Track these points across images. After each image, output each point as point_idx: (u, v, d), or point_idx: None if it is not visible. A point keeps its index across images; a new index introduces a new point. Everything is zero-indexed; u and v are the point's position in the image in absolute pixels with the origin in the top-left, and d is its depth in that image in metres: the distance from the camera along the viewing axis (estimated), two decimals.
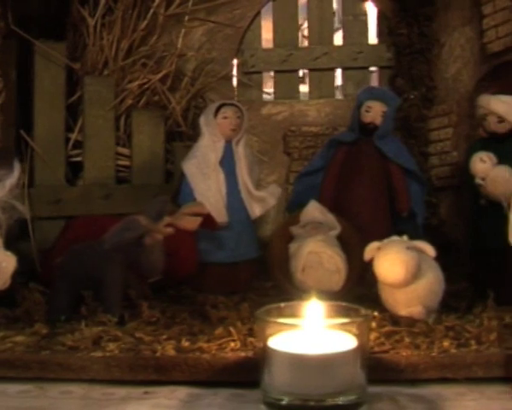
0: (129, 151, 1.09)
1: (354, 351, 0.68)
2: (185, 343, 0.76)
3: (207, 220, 0.94)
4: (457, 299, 0.96)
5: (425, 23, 1.17)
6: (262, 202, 1.03)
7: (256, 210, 1.02)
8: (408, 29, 1.16)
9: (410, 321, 0.82)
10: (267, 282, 1.02)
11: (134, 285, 0.87)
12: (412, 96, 1.14)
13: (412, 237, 1.14)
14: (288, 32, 1.25)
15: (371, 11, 1.23)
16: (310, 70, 1.25)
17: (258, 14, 1.24)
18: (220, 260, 1.01)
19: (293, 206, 1.06)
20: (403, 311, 0.83)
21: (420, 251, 0.83)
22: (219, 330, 0.79)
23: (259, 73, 1.24)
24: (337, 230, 0.99)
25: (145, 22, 1.06)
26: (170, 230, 0.82)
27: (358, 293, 0.93)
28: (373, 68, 1.24)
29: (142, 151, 1.08)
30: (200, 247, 1.00)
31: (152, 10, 1.05)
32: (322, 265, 0.93)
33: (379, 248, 0.83)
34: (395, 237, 0.84)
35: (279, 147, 1.22)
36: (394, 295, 0.84)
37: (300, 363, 0.67)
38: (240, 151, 1.03)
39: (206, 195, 0.99)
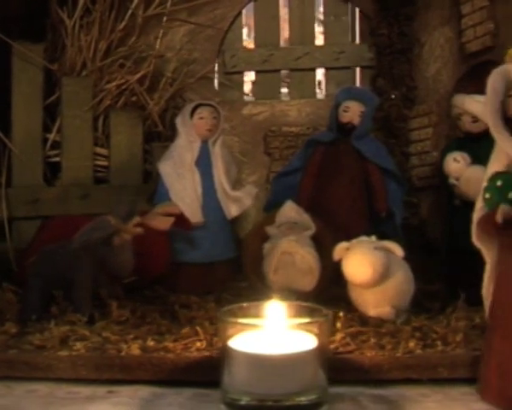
0: (107, 151, 1.09)
1: (314, 351, 0.68)
2: (150, 343, 0.76)
3: (181, 220, 0.94)
4: (432, 299, 0.97)
5: (406, 23, 1.17)
6: (238, 202, 1.03)
7: (232, 210, 1.03)
8: (388, 29, 1.16)
9: (379, 321, 0.82)
10: (243, 282, 1.02)
11: (105, 285, 0.87)
12: (393, 96, 1.14)
13: (391, 236, 1.15)
14: (269, 33, 1.25)
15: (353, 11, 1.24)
16: (291, 70, 1.25)
17: (239, 14, 1.23)
18: (196, 260, 1.01)
19: (271, 206, 1.06)
20: (372, 311, 0.83)
21: (388, 251, 0.83)
22: (186, 330, 0.79)
23: (241, 73, 1.24)
24: (312, 230, 0.98)
25: (123, 23, 1.06)
26: (139, 230, 0.83)
27: (334, 293, 0.93)
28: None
29: (120, 151, 1.09)
30: (176, 247, 1.01)
31: (130, 11, 1.06)
32: (295, 265, 0.92)
33: (347, 249, 0.83)
34: (363, 238, 0.84)
35: (260, 147, 1.22)
36: (363, 295, 0.84)
37: (259, 363, 0.67)
38: (216, 151, 1.03)
39: (181, 195, 0.99)
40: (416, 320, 0.82)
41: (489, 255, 0.71)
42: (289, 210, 1.02)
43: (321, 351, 0.68)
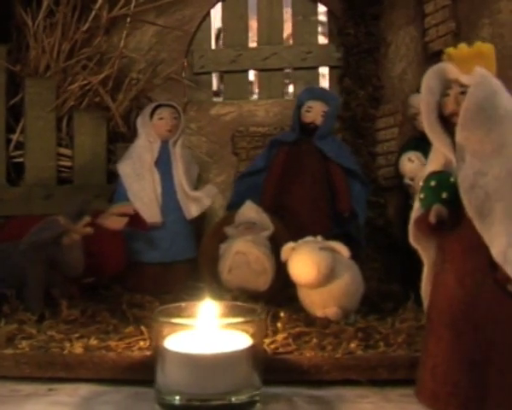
0: (71, 152, 1.09)
1: (247, 351, 0.68)
2: (93, 342, 0.77)
3: (136, 220, 0.95)
4: (387, 299, 0.97)
5: (372, 22, 1.16)
6: (198, 202, 1.03)
7: (192, 210, 1.03)
8: (355, 28, 1.16)
9: (326, 322, 0.82)
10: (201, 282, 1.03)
11: (58, 284, 0.88)
12: (360, 96, 1.13)
13: (355, 237, 1.15)
14: (237, 33, 1.25)
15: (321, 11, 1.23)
16: (259, 70, 1.25)
17: (207, 14, 1.23)
18: (155, 259, 1.01)
19: (234, 206, 1.06)
20: (319, 312, 0.83)
21: (334, 252, 0.83)
22: (130, 329, 0.80)
23: (209, 73, 1.24)
24: (269, 230, 0.98)
25: (87, 24, 1.07)
26: (88, 229, 0.83)
27: (290, 294, 0.92)
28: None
29: (83, 152, 1.09)
30: (135, 247, 1.01)
31: (93, 12, 1.06)
32: (249, 265, 0.92)
33: (293, 249, 0.83)
34: (309, 238, 0.83)
35: (227, 147, 1.21)
36: (310, 295, 0.84)
37: (191, 363, 0.67)
38: (177, 152, 1.03)
39: (139, 195, 0.99)
40: (363, 321, 0.82)
41: (426, 256, 0.70)
42: (248, 210, 1.02)
43: (255, 351, 0.68)
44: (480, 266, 0.65)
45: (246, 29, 1.24)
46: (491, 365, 0.65)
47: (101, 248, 0.90)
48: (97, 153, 1.09)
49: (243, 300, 0.89)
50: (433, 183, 0.67)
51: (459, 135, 0.65)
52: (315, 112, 1.06)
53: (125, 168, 1.01)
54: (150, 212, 0.98)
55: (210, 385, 0.66)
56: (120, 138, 1.10)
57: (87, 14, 1.08)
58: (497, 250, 0.63)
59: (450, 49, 0.67)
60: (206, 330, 0.69)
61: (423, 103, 0.67)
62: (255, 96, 1.26)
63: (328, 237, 1.10)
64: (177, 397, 0.67)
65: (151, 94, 1.16)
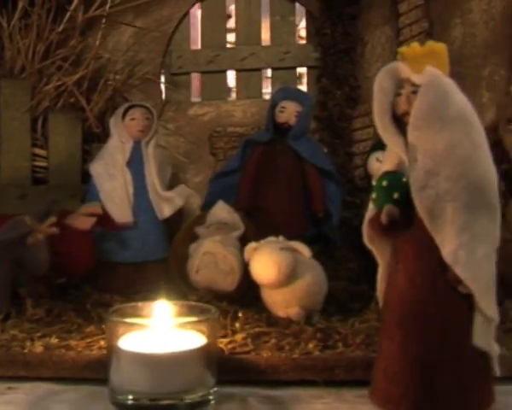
0: (46, 152, 1.10)
1: (200, 350, 0.68)
2: (54, 341, 0.77)
3: (105, 220, 0.95)
4: (356, 300, 0.96)
5: (349, 22, 1.16)
6: (170, 202, 1.03)
7: (165, 210, 1.03)
8: (332, 28, 1.15)
9: (287, 322, 0.82)
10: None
11: (25, 284, 0.88)
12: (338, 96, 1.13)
13: (330, 237, 1.15)
14: (215, 33, 1.25)
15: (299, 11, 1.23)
16: (237, 70, 1.25)
17: (186, 15, 1.24)
18: (126, 259, 1.02)
19: (209, 206, 1.05)
20: (281, 312, 0.83)
21: (296, 252, 0.83)
22: (91, 329, 0.80)
23: (187, 74, 1.24)
24: (240, 231, 0.99)
25: (62, 25, 1.08)
26: (53, 230, 0.84)
27: (259, 294, 0.93)
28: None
29: (58, 152, 1.10)
30: (107, 247, 1.02)
31: (68, 13, 1.07)
32: (217, 265, 0.92)
33: (255, 249, 0.83)
34: (271, 238, 0.83)
35: (205, 148, 1.22)
36: (272, 296, 0.84)
37: (144, 362, 0.67)
38: (149, 152, 1.04)
39: (111, 195, 1.00)
40: (324, 321, 0.82)
41: (381, 257, 0.70)
42: (220, 210, 1.02)
43: (208, 350, 0.68)
44: (431, 266, 0.65)
45: (224, 29, 1.24)
46: (442, 366, 0.64)
47: (69, 248, 0.90)
48: (72, 153, 1.09)
49: (208, 300, 0.90)
50: (384, 183, 0.67)
51: (411, 135, 0.65)
52: (288, 112, 1.06)
53: (96, 168, 1.01)
54: (121, 212, 0.99)
55: (162, 384, 0.66)
56: (96, 139, 1.10)
57: (62, 16, 1.09)
58: (447, 251, 0.63)
59: (403, 49, 0.67)
60: (160, 330, 0.69)
61: (375, 103, 0.67)
62: (233, 96, 1.26)
63: (303, 237, 1.13)
64: (131, 396, 0.67)
65: (129, 95, 1.16)
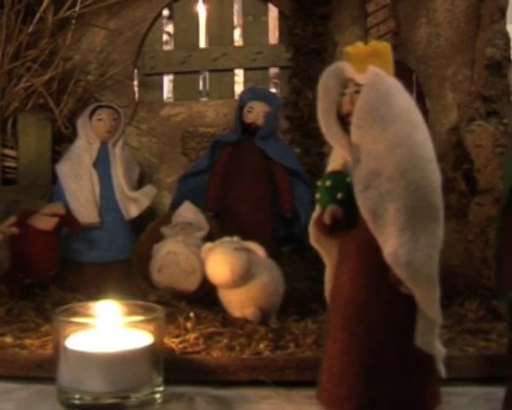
0: (16, 153, 1.10)
1: (146, 349, 0.68)
2: (9, 339, 0.78)
3: (68, 220, 0.95)
4: (318, 300, 0.96)
5: (320, 22, 1.15)
6: (137, 202, 1.03)
7: (131, 211, 1.03)
8: (303, 29, 1.15)
9: (242, 322, 0.82)
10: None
11: None
12: (311, 97, 1.13)
13: (298, 237, 1.15)
14: (188, 34, 1.25)
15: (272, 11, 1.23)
16: (209, 71, 1.25)
17: (159, 15, 1.24)
18: (93, 259, 1.02)
19: (177, 206, 1.05)
20: (237, 312, 0.83)
21: (250, 252, 0.83)
22: (46, 328, 0.81)
23: (160, 74, 1.25)
24: (204, 231, 0.99)
25: (32, 27, 1.08)
26: (12, 230, 0.84)
27: None
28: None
29: (28, 153, 1.10)
30: (74, 247, 1.02)
31: (38, 14, 1.08)
32: (179, 265, 0.93)
33: (210, 249, 0.83)
34: (226, 238, 0.83)
35: (178, 148, 1.22)
36: (228, 296, 0.84)
37: (90, 361, 0.67)
38: (116, 153, 1.04)
39: (77, 195, 1.00)
40: (279, 322, 0.82)
41: (327, 257, 0.69)
42: (186, 211, 1.02)
43: (154, 349, 0.69)
44: (373, 267, 0.65)
45: (197, 30, 1.24)
46: (386, 367, 0.64)
47: (31, 248, 0.91)
48: (42, 154, 1.10)
49: (167, 299, 0.90)
50: (328, 183, 0.67)
51: (354, 134, 0.65)
52: (256, 112, 1.06)
53: (63, 169, 1.02)
54: (87, 212, 0.99)
55: (109, 383, 0.66)
56: (66, 140, 1.10)
57: (33, 16, 1.09)
58: (388, 251, 0.62)
59: (348, 48, 0.67)
60: (106, 329, 0.69)
61: (320, 103, 0.67)
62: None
63: (272, 237, 1.13)
64: (77, 396, 0.67)
65: (101, 95, 1.16)
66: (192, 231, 0.98)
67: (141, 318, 0.69)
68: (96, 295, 1.01)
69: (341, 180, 0.66)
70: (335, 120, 0.68)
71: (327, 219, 0.65)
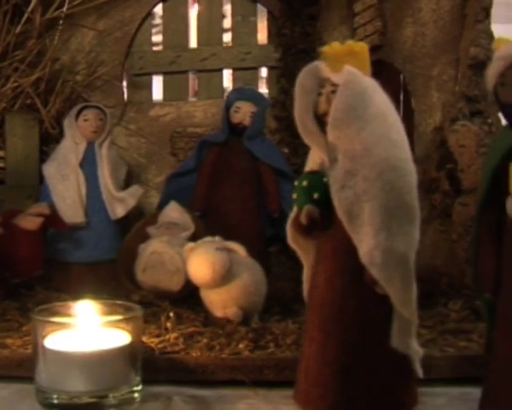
0: (3, 153, 1.11)
1: (123, 348, 0.68)
2: None
3: (53, 220, 0.96)
4: (301, 300, 0.96)
5: (309, 22, 1.15)
6: (123, 202, 1.04)
7: (118, 211, 1.04)
8: (292, 29, 1.15)
9: (224, 322, 0.82)
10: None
11: None
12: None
13: (285, 237, 1.14)
14: (177, 34, 1.25)
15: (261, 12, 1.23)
16: (198, 71, 1.25)
17: (148, 15, 1.23)
18: (80, 259, 1.03)
19: (164, 206, 1.06)
20: (218, 312, 0.83)
21: (232, 252, 0.83)
22: (28, 327, 0.81)
23: (149, 74, 1.24)
24: (190, 231, 0.99)
25: (19, 27, 1.08)
26: None
27: None
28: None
29: (16, 153, 1.11)
30: (60, 247, 1.03)
31: (26, 15, 1.08)
32: (164, 265, 0.93)
33: (192, 249, 0.83)
34: (208, 238, 0.83)
35: (166, 148, 1.21)
36: (210, 296, 0.84)
37: (68, 361, 0.68)
38: (103, 153, 1.04)
39: (63, 196, 1.01)
40: (260, 322, 0.82)
41: (305, 257, 0.69)
42: (172, 211, 1.02)
43: (132, 349, 0.69)
44: (349, 267, 0.65)
45: (186, 30, 1.24)
46: (362, 367, 0.64)
47: (16, 248, 0.91)
48: (30, 154, 1.10)
49: (150, 299, 0.91)
50: (305, 183, 0.66)
51: (330, 134, 0.65)
52: (243, 112, 1.06)
53: (49, 169, 1.02)
54: (73, 212, 1.00)
55: (87, 383, 0.67)
56: (54, 140, 1.11)
57: (21, 17, 1.09)
58: (363, 251, 0.62)
59: (324, 48, 0.67)
60: (85, 329, 0.69)
61: (296, 103, 0.67)
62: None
63: (259, 237, 1.13)
64: (56, 395, 0.68)
65: (90, 95, 1.16)
66: (177, 232, 0.98)
67: (119, 317, 0.69)
68: (82, 294, 1.03)
69: (318, 180, 0.66)
70: (312, 119, 0.68)
71: (303, 220, 0.65)
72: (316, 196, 0.66)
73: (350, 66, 0.65)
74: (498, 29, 1.23)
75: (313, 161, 0.69)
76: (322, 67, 0.67)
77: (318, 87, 0.67)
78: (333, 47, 0.66)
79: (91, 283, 1.02)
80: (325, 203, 0.65)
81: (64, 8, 1.07)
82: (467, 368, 0.72)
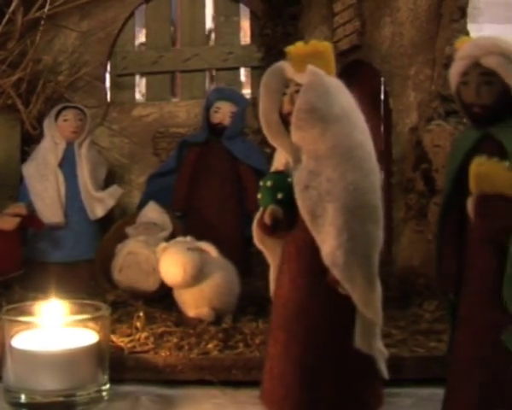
0: None
1: (90, 348, 0.68)
2: None
3: (30, 220, 0.96)
4: None
5: (290, 22, 1.16)
6: (102, 202, 1.04)
7: (97, 211, 1.04)
8: (273, 29, 1.15)
9: (195, 322, 0.82)
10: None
11: None
12: None
13: None
14: (160, 34, 1.25)
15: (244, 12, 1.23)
16: (181, 72, 1.25)
17: (131, 16, 1.24)
18: (58, 259, 1.03)
19: (144, 206, 1.07)
20: (191, 312, 0.83)
21: (204, 252, 0.83)
22: None
23: (132, 75, 1.25)
24: (167, 231, 0.99)
25: (0, 28, 1.09)
26: None
27: None
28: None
29: None
30: (39, 246, 1.03)
31: (7, 16, 1.08)
32: (140, 265, 0.93)
33: (164, 249, 0.83)
34: (180, 238, 0.84)
35: (149, 148, 1.22)
36: (182, 296, 0.84)
37: (34, 360, 0.68)
38: (82, 153, 1.05)
39: (42, 196, 1.01)
40: (232, 322, 0.81)
41: (271, 257, 0.69)
42: (150, 211, 1.03)
43: (99, 348, 0.69)
44: (312, 267, 0.64)
45: (168, 30, 1.24)
46: (325, 367, 0.64)
47: None
48: (11, 155, 1.11)
49: (125, 299, 0.91)
50: (269, 183, 0.66)
51: (294, 135, 0.65)
52: (223, 112, 1.07)
53: (28, 169, 1.03)
54: (52, 212, 1.00)
55: (54, 382, 0.67)
56: (35, 140, 1.11)
57: (2, 18, 1.10)
58: (326, 252, 0.62)
59: (290, 48, 0.66)
60: (52, 328, 0.70)
61: (261, 103, 0.66)
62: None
63: (239, 237, 1.13)
64: (23, 395, 0.68)
65: (73, 96, 1.17)
66: (155, 232, 0.98)
67: (86, 316, 0.69)
68: (62, 294, 1.03)
69: (282, 180, 0.66)
70: (277, 120, 0.68)
71: (267, 219, 0.65)
72: (280, 196, 0.66)
73: (314, 66, 0.65)
74: (497, 29, 1.22)
75: (279, 162, 0.69)
76: (286, 67, 0.67)
77: (283, 87, 0.67)
78: (297, 47, 0.66)
79: (70, 282, 1.02)
80: (289, 203, 0.65)
81: (45, 9, 1.08)
82: (435, 369, 0.72)
